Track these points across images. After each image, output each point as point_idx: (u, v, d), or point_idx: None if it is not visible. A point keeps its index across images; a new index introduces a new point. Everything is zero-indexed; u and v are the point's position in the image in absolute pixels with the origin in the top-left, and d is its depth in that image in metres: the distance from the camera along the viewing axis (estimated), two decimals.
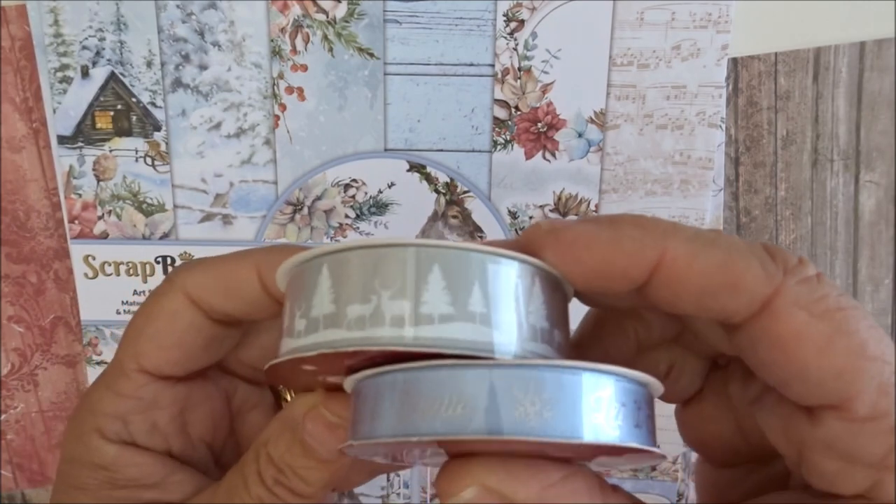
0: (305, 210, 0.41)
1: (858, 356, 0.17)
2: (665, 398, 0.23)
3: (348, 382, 0.18)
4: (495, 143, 0.40)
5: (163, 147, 0.40)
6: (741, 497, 0.21)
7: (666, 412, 0.21)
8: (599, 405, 0.16)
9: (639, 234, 0.17)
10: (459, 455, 0.18)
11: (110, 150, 0.40)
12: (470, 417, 0.16)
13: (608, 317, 0.22)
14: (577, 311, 0.21)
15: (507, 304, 0.17)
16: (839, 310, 0.17)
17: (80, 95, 0.39)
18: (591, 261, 0.18)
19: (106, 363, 0.43)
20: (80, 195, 0.41)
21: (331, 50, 0.39)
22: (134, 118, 0.40)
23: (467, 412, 0.16)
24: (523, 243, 0.18)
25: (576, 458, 0.18)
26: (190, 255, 0.41)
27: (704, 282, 0.17)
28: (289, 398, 0.26)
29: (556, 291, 0.18)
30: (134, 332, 0.22)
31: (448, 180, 0.41)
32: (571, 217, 0.41)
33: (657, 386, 0.18)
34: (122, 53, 0.39)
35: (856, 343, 0.17)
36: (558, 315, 0.18)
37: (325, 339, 0.17)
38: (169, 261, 0.42)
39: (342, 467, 0.21)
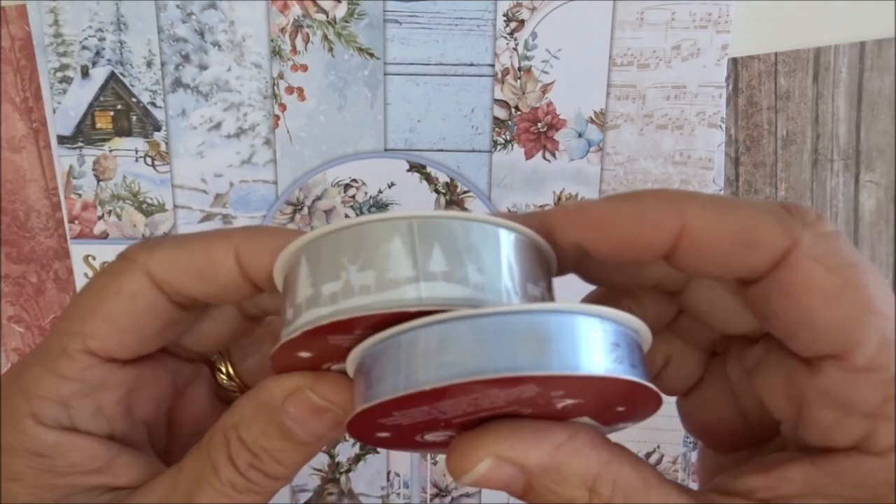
0: (305, 210, 0.41)
1: (864, 309, 0.17)
2: (666, 391, 0.23)
3: (349, 363, 0.19)
4: (495, 143, 0.40)
5: (163, 147, 0.40)
6: (747, 464, 0.21)
7: (665, 412, 0.21)
8: (596, 344, 0.17)
9: (660, 205, 0.18)
10: (466, 428, 0.18)
11: (110, 150, 0.40)
12: (466, 362, 0.16)
13: (604, 302, 0.22)
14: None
15: (478, 260, 0.18)
16: (851, 265, 0.17)
17: (80, 95, 0.39)
18: (619, 235, 0.18)
19: None
20: (80, 195, 0.41)
21: (331, 50, 0.39)
22: (134, 118, 0.40)
23: (466, 357, 0.16)
24: (547, 221, 0.19)
25: (566, 416, 0.18)
26: None
27: (726, 243, 0.18)
28: (223, 369, 0.25)
29: (540, 258, 0.19)
30: (81, 311, 0.21)
31: (448, 180, 0.41)
32: None
33: (647, 333, 0.18)
34: (122, 53, 0.39)
35: (863, 297, 0.17)
36: (546, 282, 0.19)
37: (305, 319, 0.18)
38: None
39: (320, 446, 0.21)
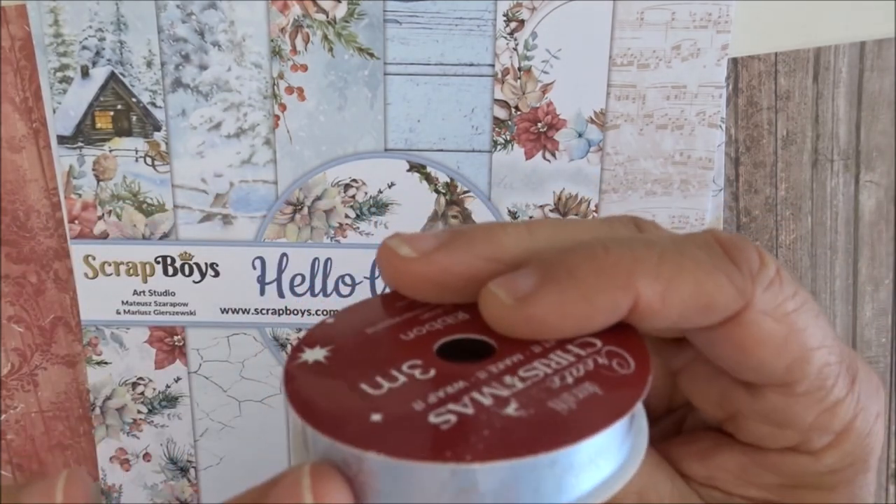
0: (305, 210, 0.41)
1: (807, 349, 0.18)
2: None
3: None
4: (495, 143, 0.40)
5: (163, 147, 0.40)
6: (680, 444, 0.22)
7: None
8: None
9: (605, 283, 0.17)
10: None
11: (110, 150, 0.40)
12: None
13: None
14: None
15: None
16: (795, 311, 0.18)
17: (80, 95, 0.39)
18: (567, 330, 0.17)
19: (106, 363, 0.43)
20: (80, 195, 0.41)
21: (331, 50, 0.39)
22: (134, 118, 0.40)
23: None
24: (487, 319, 0.18)
25: None
26: (190, 254, 0.41)
27: (679, 312, 0.17)
28: None
29: None
30: None
31: (448, 180, 0.41)
32: (571, 216, 0.41)
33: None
34: (122, 53, 0.39)
35: (806, 339, 0.18)
36: None
37: None
38: (169, 261, 0.42)
39: None
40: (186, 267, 0.42)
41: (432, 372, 0.18)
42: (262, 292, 0.42)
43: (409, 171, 0.41)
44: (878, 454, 0.20)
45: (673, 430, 0.23)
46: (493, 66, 0.39)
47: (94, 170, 0.40)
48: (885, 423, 0.20)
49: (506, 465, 0.15)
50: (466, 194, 0.41)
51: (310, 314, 0.43)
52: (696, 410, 0.22)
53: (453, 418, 0.16)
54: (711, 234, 0.18)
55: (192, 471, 0.45)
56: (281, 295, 0.42)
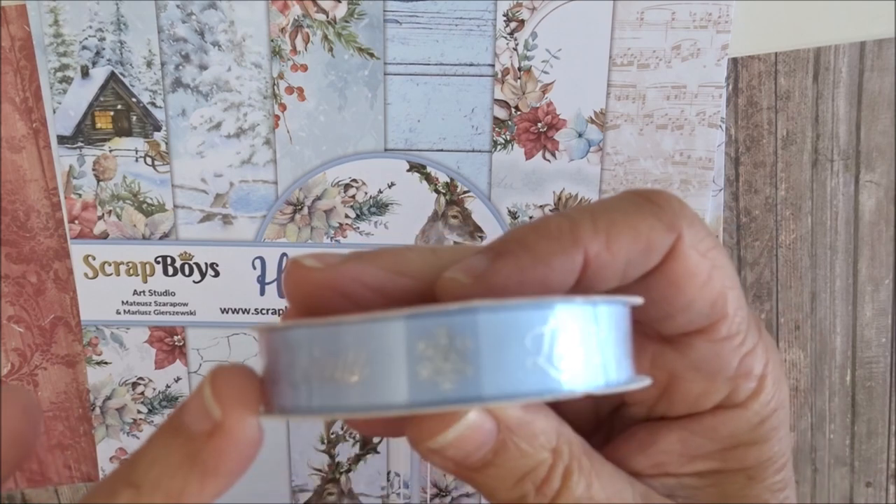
0: (305, 210, 0.41)
1: (725, 287, 0.19)
2: None
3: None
4: (495, 143, 0.40)
5: (163, 147, 0.40)
6: (619, 443, 0.22)
7: None
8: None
9: (555, 245, 0.18)
10: None
11: (110, 150, 0.40)
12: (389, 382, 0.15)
13: None
14: None
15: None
16: (715, 247, 0.19)
17: (80, 95, 0.39)
18: (529, 290, 0.18)
19: (106, 363, 0.43)
20: (80, 195, 0.41)
21: (331, 50, 0.39)
22: (134, 118, 0.40)
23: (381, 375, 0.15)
24: (447, 295, 0.18)
25: None
26: (190, 254, 0.42)
27: (625, 258, 0.18)
28: None
29: None
30: None
31: (448, 180, 0.41)
32: None
33: None
34: (122, 53, 0.39)
35: (726, 275, 0.19)
36: None
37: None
38: (169, 261, 0.42)
39: None
40: (186, 267, 0.42)
41: None
42: (262, 292, 0.42)
43: (409, 171, 0.41)
44: (787, 402, 0.21)
45: (605, 440, 0.23)
46: (493, 66, 0.39)
47: (94, 170, 0.40)
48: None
49: None
50: (466, 194, 0.41)
51: None
52: (623, 412, 0.22)
53: None
54: (629, 191, 0.20)
55: None
56: (281, 295, 0.42)
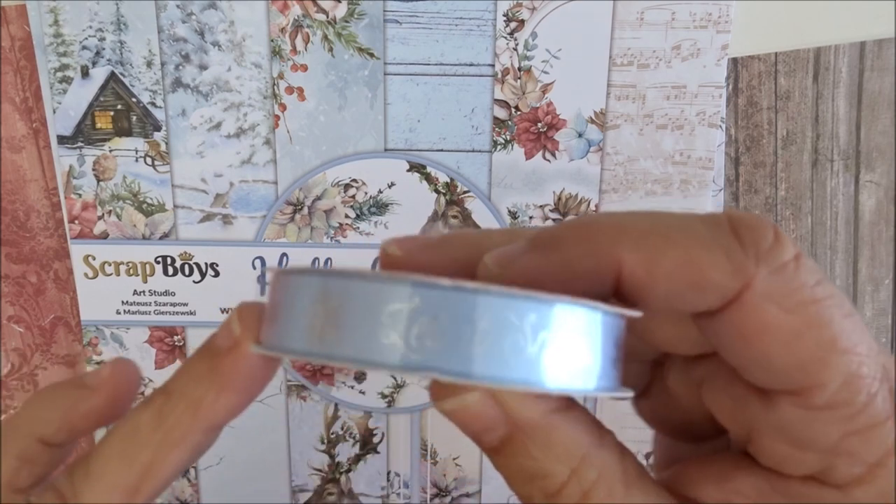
0: (305, 210, 0.41)
1: (827, 349, 0.16)
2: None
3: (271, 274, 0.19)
4: (495, 143, 0.40)
5: (163, 147, 0.40)
6: (698, 465, 0.20)
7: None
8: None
9: (587, 250, 0.17)
10: None
11: (110, 150, 0.40)
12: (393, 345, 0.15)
13: None
14: None
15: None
16: (813, 302, 0.16)
17: (80, 95, 0.39)
18: (555, 287, 0.16)
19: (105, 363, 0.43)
20: (80, 195, 0.41)
21: (331, 50, 0.39)
22: (134, 118, 0.40)
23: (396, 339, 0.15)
24: (480, 278, 0.18)
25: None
26: (190, 254, 0.41)
27: (666, 285, 0.16)
28: None
29: None
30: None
31: (448, 180, 0.41)
32: (567, 217, 0.41)
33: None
34: (122, 53, 0.39)
35: (826, 336, 0.16)
36: None
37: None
38: (169, 261, 0.42)
39: None
40: (186, 267, 0.42)
41: None
42: (263, 292, 0.42)
43: (409, 171, 0.41)
44: None
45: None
46: (493, 66, 0.39)
47: (94, 170, 0.40)
48: None
49: None
50: (466, 194, 0.41)
51: None
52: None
53: None
54: (725, 212, 0.17)
55: (191, 470, 0.45)
56: None
